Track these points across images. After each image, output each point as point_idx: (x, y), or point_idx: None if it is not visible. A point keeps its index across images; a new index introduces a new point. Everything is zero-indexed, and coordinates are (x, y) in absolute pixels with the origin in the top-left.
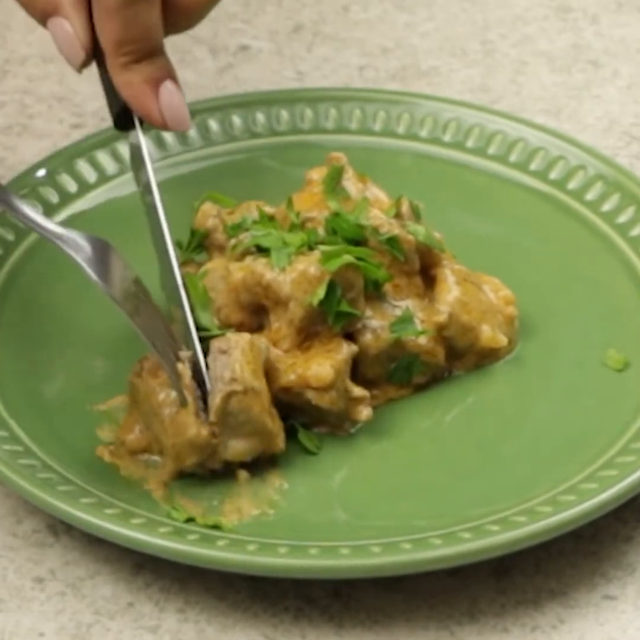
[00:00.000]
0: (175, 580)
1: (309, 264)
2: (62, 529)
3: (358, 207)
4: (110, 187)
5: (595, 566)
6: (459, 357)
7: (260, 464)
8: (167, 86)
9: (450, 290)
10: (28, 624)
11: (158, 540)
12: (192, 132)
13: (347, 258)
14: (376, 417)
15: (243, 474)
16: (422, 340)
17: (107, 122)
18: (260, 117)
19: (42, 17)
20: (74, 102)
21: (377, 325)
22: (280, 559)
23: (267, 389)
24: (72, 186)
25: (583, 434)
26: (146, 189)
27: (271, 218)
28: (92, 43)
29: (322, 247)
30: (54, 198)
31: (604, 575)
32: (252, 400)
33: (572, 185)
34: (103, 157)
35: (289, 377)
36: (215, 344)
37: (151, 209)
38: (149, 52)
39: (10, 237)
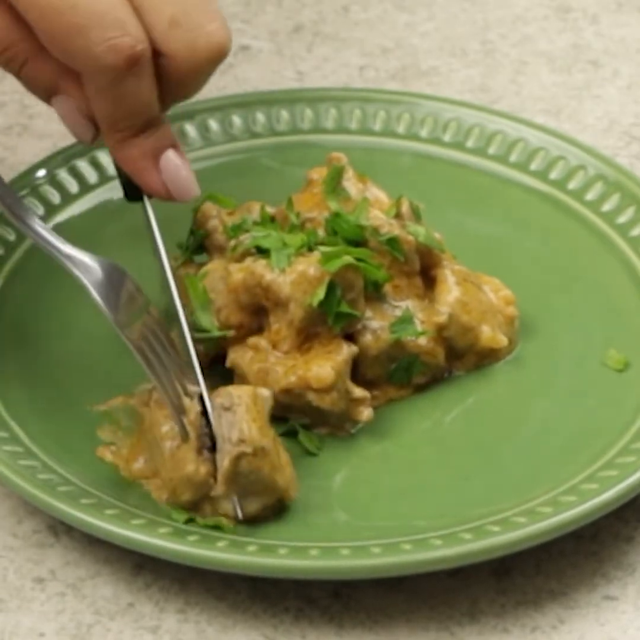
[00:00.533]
0: (175, 581)
1: (309, 265)
2: (62, 529)
3: (358, 208)
4: (111, 187)
5: (595, 566)
6: (459, 357)
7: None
8: (168, 156)
9: (450, 291)
10: (28, 624)
11: (158, 541)
12: (192, 132)
13: (347, 259)
14: (376, 417)
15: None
16: (422, 340)
17: None
18: (260, 117)
19: (46, 96)
20: None
21: (377, 326)
22: (281, 560)
23: (275, 443)
24: (72, 186)
25: (583, 434)
26: (155, 246)
27: (272, 219)
28: None
29: (322, 248)
30: (54, 198)
31: (605, 575)
32: (262, 460)
33: (572, 185)
34: (103, 157)
35: (289, 378)
36: (217, 400)
37: (153, 243)
38: (144, 126)
39: (10, 237)
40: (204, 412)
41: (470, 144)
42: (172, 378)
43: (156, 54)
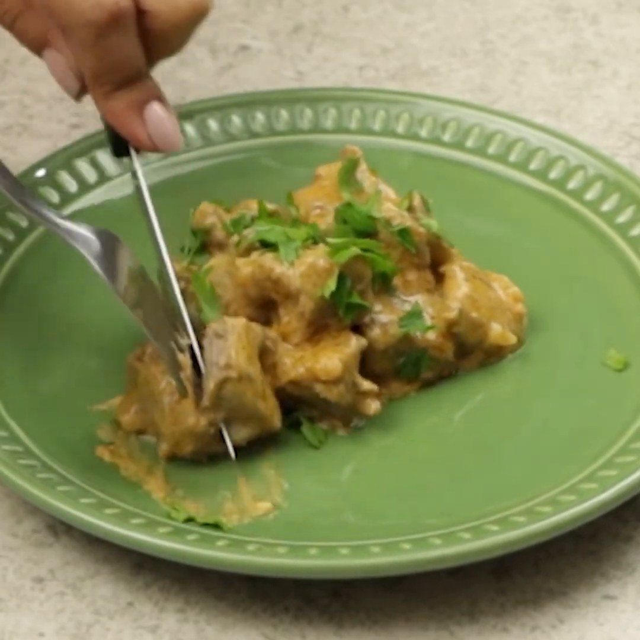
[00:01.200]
0: (175, 580)
1: (318, 257)
2: (62, 529)
3: (371, 199)
4: (110, 187)
5: (595, 566)
6: (467, 354)
7: (261, 464)
8: (153, 108)
9: (459, 287)
10: (28, 624)
11: (158, 540)
12: (192, 132)
13: (356, 250)
14: (377, 416)
15: (243, 477)
16: (431, 335)
17: None
18: (260, 117)
19: (36, 49)
20: (74, 102)
21: (386, 320)
22: (280, 559)
23: (261, 373)
24: (72, 186)
25: (583, 434)
26: (142, 201)
27: (271, 214)
28: None
29: (330, 240)
30: (54, 198)
31: (604, 575)
32: (246, 386)
33: (572, 185)
34: (103, 157)
35: (297, 370)
36: (212, 327)
37: (145, 216)
38: (128, 79)
39: (10, 237)
40: (195, 364)
41: (470, 143)
42: (168, 337)
43: (140, 12)
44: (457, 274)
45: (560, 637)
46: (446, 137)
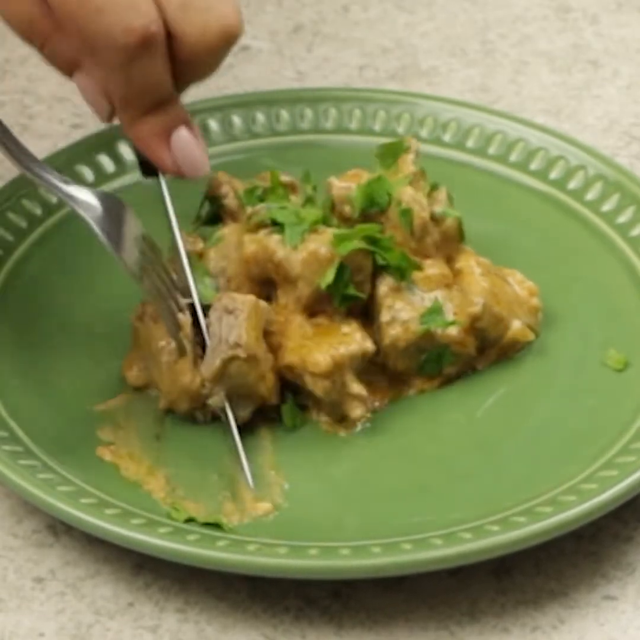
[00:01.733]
0: (175, 580)
1: (320, 245)
2: (62, 529)
3: (400, 181)
4: (110, 187)
5: (595, 566)
6: (486, 349)
7: (261, 464)
8: (179, 134)
9: (478, 282)
10: (28, 624)
11: (158, 541)
12: None
13: (358, 243)
14: (375, 417)
15: (243, 477)
16: (453, 331)
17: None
18: (260, 117)
19: (67, 71)
20: (74, 102)
21: (407, 317)
22: (280, 559)
23: (265, 354)
24: None
25: (583, 434)
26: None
27: (286, 186)
28: None
29: (335, 231)
30: (53, 198)
31: (604, 575)
32: (251, 367)
33: (572, 185)
34: (103, 158)
35: (292, 357)
36: (222, 301)
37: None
38: (156, 104)
39: (9, 237)
40: (195, 322)
41: (470, 144)
42: (168, 298)
43: (169, 35)
44: (475, 269)
45: (560, 637)
46: (446, 138)
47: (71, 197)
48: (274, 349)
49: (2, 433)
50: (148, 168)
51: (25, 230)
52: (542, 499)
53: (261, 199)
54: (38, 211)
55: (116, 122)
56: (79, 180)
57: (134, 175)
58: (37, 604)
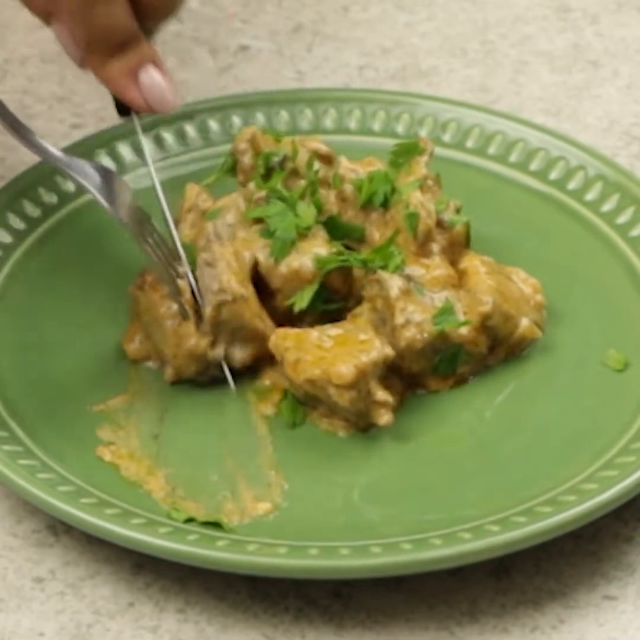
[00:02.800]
0: (175, 580)
1: (302, 265)
2: (62, 529)
3: (411, 183)
4: None
5: (595, 566)
6: (496, 347)
7: (261, 464)
8: (147, 72)
9: (485, 280)
10: (28, 624)
11: (158, 541)
12: (192, 132)
13: (337, 261)
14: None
15: (243, 477)
16: (464, 330)
17: (107, 122)
18: (260, 117)
19: (45, 18)
20: (74, 102)
21: (420, 319)
22: (280, 559)
23: (254, 295)
24: (71, 186)
25: (583, 434)
26: (143, 157)
27: (324, 156)
28: None
29: (316, 251)
30: (53, 198)
31: (604, 575)
32: (242, 306)
33: (572, 185)
34: (102, 158)
35: (314, 370)
36: (202, 256)
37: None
38: (120, 45)
39: (8, 239)
40: (193, 292)
41: (470, 144)
42: (167, 265)
43: None
44: (480, 268)
45: (560, 637)
46: (446, 138)
47: (69, 166)
48: (267, 295)
49: (2, 433)
50: (122, 107)
51: (25, 231)
52: (542, 498)
53: (269, 171)
54: (37, 212)
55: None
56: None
57: (134, 175)
58: (37, 604)
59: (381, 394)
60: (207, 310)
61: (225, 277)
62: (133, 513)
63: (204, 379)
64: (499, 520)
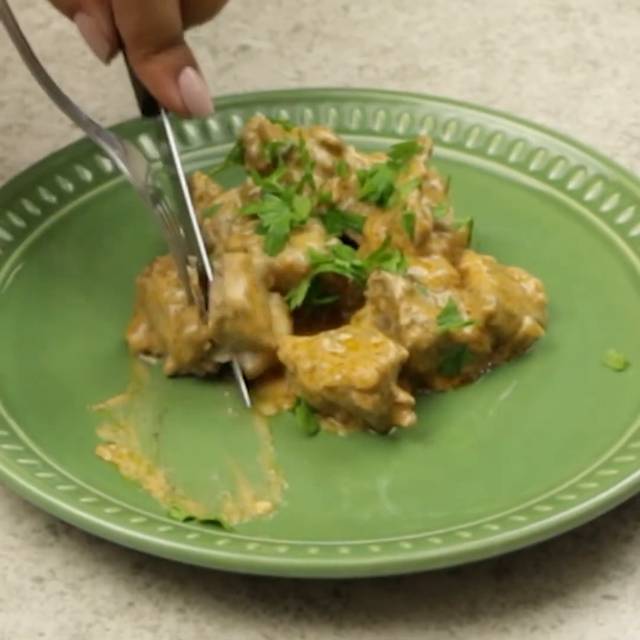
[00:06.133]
0: (175, 580)
1: (295, 260)
2: (62, 528)
3: (409, 183)
4: (109, 187)
5: (594, 566)
6: (499, 346)
7: (261, 464)
8: (187, 74)
9: (488, 279)
10: (28, 624)
11: (158, 540)
12: (192, 132)
13: (332, 266)
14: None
15: (243, 477)
16: (468, 329)
17: (107, 122)
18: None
19: (69, 12)
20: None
21: (424, 319)
22: (280, 559)
23: (263, 305)
24: (70, 186)
25: (583, 434)
26: (168, 161)
27: (333, 146)
28: (115, 35)
29: (311, 245)
30: (52, 198)
31: (604, 575)
32: (243, 323)
33: (572, 185)
34: (101, 159)
35: (334, 377)
36: (215, 265)
37: (173, 179)
38: (167, 43)
39: (8, 237)
40: (202, 280)
41: (470, 144)
42: (180, 246)
43: None
44: (482, 267)
45: (560, 637)
46: (446, 138)
47: (100, 135)
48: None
49: (1, 432)
50: (149, 107)
51: (25, 230)
52: (542, 498)
53: (275, 160)
54: (37, 211)
55: (113, 63)
56: (79, 181)
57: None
58: (37, 603)
59: (403, 395)
60: (210, 325)
61: (227, 290)
62: (133, 512)
63: (200, 372)
64: (498, 519)
